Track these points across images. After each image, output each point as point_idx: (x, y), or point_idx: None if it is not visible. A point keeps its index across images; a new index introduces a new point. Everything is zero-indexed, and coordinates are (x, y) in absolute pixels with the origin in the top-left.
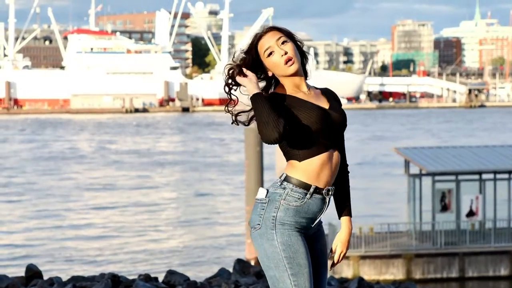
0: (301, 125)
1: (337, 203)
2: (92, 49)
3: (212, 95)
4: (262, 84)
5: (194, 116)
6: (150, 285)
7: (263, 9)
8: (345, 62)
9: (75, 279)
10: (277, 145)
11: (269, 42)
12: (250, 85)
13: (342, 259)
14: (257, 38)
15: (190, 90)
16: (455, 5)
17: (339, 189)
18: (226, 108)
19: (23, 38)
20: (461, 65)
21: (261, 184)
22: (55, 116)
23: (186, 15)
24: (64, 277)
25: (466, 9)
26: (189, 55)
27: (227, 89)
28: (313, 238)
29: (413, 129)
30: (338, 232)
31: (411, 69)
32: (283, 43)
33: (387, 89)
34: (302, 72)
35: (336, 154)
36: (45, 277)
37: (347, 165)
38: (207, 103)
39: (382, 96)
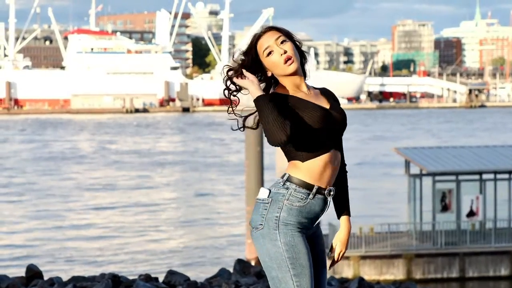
0: (305, 125)
1: (336, 203)
2: (92, 49)
3: (213, 95)
4: (262, 85)
5: (195, 116)
6: (150, 285)
7: (263, 9)
8: (345, 62)
9: (76, 279)
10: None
11: (268, 41)
12: (252, 87)
13: (341, 259)
14: (256, 38)
15: (190, 90)
16: (455, 5)
17: (338, 189)
18: (232, 112)
19: (24, 38)
20: (462, 65)
21: (262, 184)
22: (56, 116)
23: (186, 15)
24: (65, 277)
25: (466, 9)
26: (189, 55)
27: (227, 93)
28: (312, 238)
29: (413, 129)
30: (337, 232)
31: (412, 69)
32: (282, 42)
33: (388, 89)
34: (302, 72)
35: (337, 154)
36: (46, 277)
37: (345, 165)
38: (207, 103)
39: (383, 96)
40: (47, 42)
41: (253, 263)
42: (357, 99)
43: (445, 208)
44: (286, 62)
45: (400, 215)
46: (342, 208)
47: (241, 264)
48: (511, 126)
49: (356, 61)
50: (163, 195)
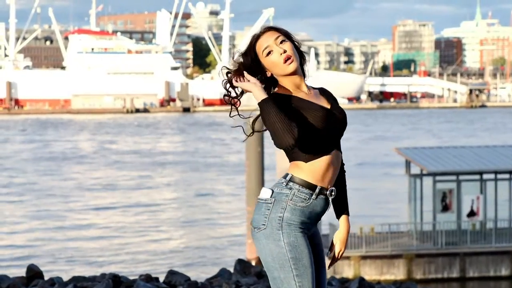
0: (308, 126)
1: (335, 203)
2: (93, 49)
3: (213, 95)
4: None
5: (195, 116)
6: (151, 285)
7: (263, 9)
8: (346, 62)
9: (76, 279)
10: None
11: (267, 41)
12: (255, 89)
13: (340, 258)
14: (255, 38)
15: (191, 90)
16: (456, 5)
17: (338, 189)
18: (237, 113)
19: (24, 38)
20: (462, 65)
21: (262, 184)
22: (56, 116)
23: (187, 15)
24: (65, 277)
25: (467, 9)
26: (189, 55)
27: (227, 99)
28: (311, 237)
29: (414, 129)
30: (337, 231)
31: (412, 69)
32: (281, 42)
33: (388, 89)
34: (301, 72)
35: (338, 154)
36: (46, 277)
37: (343, 164)
38: (207, 103)
39: (383, 96)
40: (48, 42)
41: (253, 263)
42: (357, 99)
43: (445, 208)
44: (285, 61)
45: (400, 215)
46: (341, 208)
47: (242, 264)
48: (511, 126)
49: (356, 61)
50: (163, 195)
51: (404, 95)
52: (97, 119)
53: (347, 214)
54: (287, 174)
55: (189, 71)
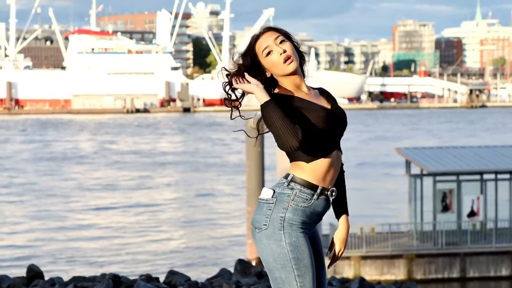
0: (311, 127)
1: (335, 203)
2: (93, 49)
3: (213, 96)
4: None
5: (195, 116)
6: (151, 285)
7: (264, 9)
8: (346, 63)
9: (76, 280)
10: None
11: (267, 41)
12: (258, 91)
13: (340, 258)
14: (255, 38)
15: (191, 90)
16: (456, 5)
17: (337, 189)
18: (238, 114)
19: (24, 39)
20: (462, 65)
21: (262, 185)
22: (56, 116)
23: (187, 15)
24: (65, 278)
25: (467, 9)
26: (190, 55)
27: (228, 103)
28: (311, 237)
29: (414, 129)
30: (336, 231)
31: (412, 69)
32: (281, 42)
33: (388, 89)
34: (301, 72)
35: (339, 155)
36: (46, 278)
37: (342, 164)
38: (208, 103)
39: (383, 96)
40: (48, 42)
41: (254, 263)
42: (357, 99)
43: (446, 208)
44: (285, 61)
45: (401, 215)
46: (341, 208)
47: (242, 264)
48: (511, 126)
49: (356, 61)
50: (163, 195)
51: (405, 95)
52: (97, 119)
53: (347, 214)
54: (288, 174)
55: (189, 71)
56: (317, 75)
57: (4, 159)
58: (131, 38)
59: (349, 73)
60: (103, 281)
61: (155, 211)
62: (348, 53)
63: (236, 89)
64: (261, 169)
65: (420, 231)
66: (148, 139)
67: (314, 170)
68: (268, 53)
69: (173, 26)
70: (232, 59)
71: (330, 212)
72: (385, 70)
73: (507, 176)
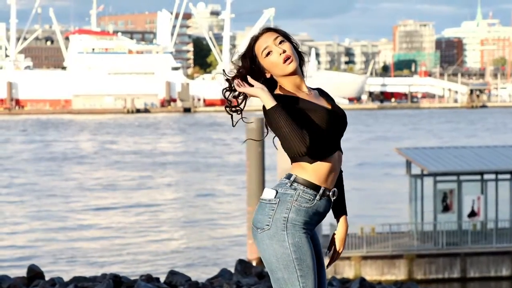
0: (315, 128)
1: (334, 203)
2: (93, 49)
3: (214, 96)
4: None
5: (196, 116)
6: (151, 285)
7: (264, 9)
8: (346, 63)
9: (77, 280)
10: (280, 145)
11: (266, 42)
12: (264, 95)
13: (339, 257)
14: (254, 39)
15: (191, 90)
16: (456, 5)
17: (337, 189)
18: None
19: (25, 39)
20: (463, 65)
21: (263, 185)
22: (57, 116)
23: (187, 16)
24: (66, 278)
25: (467, 9)
26: (190, 55)
27: (228, 109)
28: (311, 238)
29: (414, 129)
30: (336, 231)
31: (413, 69)
32: (280, 42)
33: (389, 89)
34: (301, 72)
35: (340, 155)
36: (47, 278)
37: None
38: (208, 103)
39: (384, 96)
40: (48, 43)
41: (254, 264)
42: (358, 99)
43: (446, 208)
44: (285, 61)
45: (401, 216)
46: (340, 208)
47: (243, 265)
48: None
49: (357, 61)
50: (164, 195)
51: (405, 95)
52: (97, 119)
53: (346, 214)
54: (290, 175)
55: (189, 71)
56: (318, 75)
57: (4, 159)
58: (131, 38)
59: (349, 73)
60: (104, 281)
61: (155, 211)
62: (349, 53)
63: (238, 95)
64: (262, 169)
65: (420, 231)
66: (149, 139)
67: (316, 171)
68: (268, 54)
69: (174, 26)
70: (232, 61)
71: (330, 212)
72: (385, 70)
73: (508, 176)
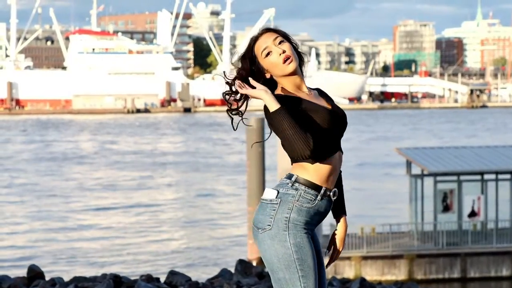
0: (317, 128)
1: (334, 203)
2: (93, 49)
3: (214, 96)
4: None
5: (196, 116)
6: (152, 285)
7: (264, 9)
8: (346, 63)
9: (77, 280)
10: (280, 145)
11: (266, 42)
12: (267, 98)
13: (338, 257)
14: (253, 40)
15: (191, 90)
16: (456, 5)
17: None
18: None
19: (25, 39)
20: (463, 65)
21: (263, 185)
22: (57, 116)
23: (187, 16)
24: (66, 278)
25: (467, 9)
26: (190, 55)
27: (231, 112)
28: (311, 238)
29: (414, 129)
30: (335, 230)
31: (413, 69)
32: (280, 42)
33: (389, 89)
34: (301, 72)
35: (340, 155)
36: (47, 278)
37: None
38: (208, 103)
39: (384, 96)
40: (49, 43)
41: (254, 264)
42: (358, 99)
43: (446, 208)
44: (285, 61)
45: (401, 216)
46: (339, 208)
47: (243, 265)
48: None
49: (357, 62)
50: (164, 195)
51: (405, 95)
52: (98, 120)
53: (345, 214)
54: (291, 175)
55: (190, 71)
56: (318, 75)
57: (4, 159)
58: (131, 38)
59: (349, 73)
60: (104, 281)
61: (155, 211)
62: (349, 53)
63: (240, 98)
64: (262, 169)
65: (420, 231)
66: (149, 139)
67: (318, 171)
68: (268, 54)
69: (174, 26)
70: (232, 62)
71: (330, 212)
72: (385, 70)
73: (508, 176)
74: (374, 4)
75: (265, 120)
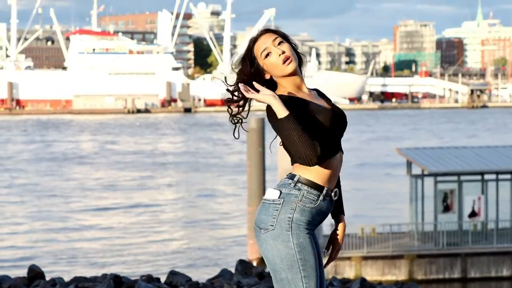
0: (321, 129)
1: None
2: (94, 49)
3: (214, 96)
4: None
5: (196, 116)
6: (152, 285)
7: (265, 9)
8: (347, 63)
9: (77, 280)
10: (281, 145)
11: (265, 43)
12: (276, 104)
13: (336, 257)
14: (253, 41)
15: (192, 90)
16: (457, 5)
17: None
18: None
19: (25, 39)
20: (463, 65)
21: (263, 185)
22: (57, 116)
23: (188, 16)
24: (67, 278)
25: (468, 9)
26: (191, 55)
27: (234, 119)
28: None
29: (415, 129)
30: (334, 230)
31: (413, 69)
32: (279, 43)
33: (389, 89)
34: (300, 72)
35: (341, 155)
36: (48, 278)
37: None
38: (209, 103)
39: (384, 96)
40: (49, 43)
41: (255, 264)
42: (359, 99)
43: (447, 208)
44: (284, 62)
45: (402, 216)
46: (338, 208)
47: (243, 265)
48: None
49: (357, 62)
50: (164, 195)
51: (405, 95)
52: (98, 120)
53: (343, 213)
54: (293, 175)
55: (190, 71)
56: (318, 76)
57: (5, 160)
58: (132, 38)
59: (350, 73)
60: (104, 282)
61: (156, 211)
62: (349, 53)
63: (243, 105)
64: (262, 169)
65: (421, 231)
66: (149, 139)
67: (320, 171)
68: (267, 55)
69: (174, 27)
70: (232, 67)
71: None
72: (386, 71)
73: (508, 176)
74: (374, 4)
75: (266, 120)
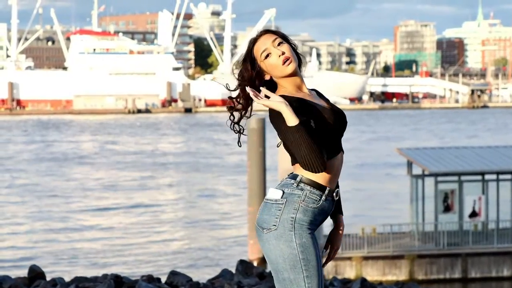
0: (325, 129)
1: None
2: (94, 49)
3: (215, 96)
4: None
5: (197, 116)
6: (152, 285)
7: (265, 10)
8: (347, 63)
9: (78, 280)
10: (281, 146)
11: (265, 44)
12: (286, 111)
13: (334, 256)
14: (252, 42)
15: (192, 90)
16: (457, 5)
17: None
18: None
19: (26, 39)
20: (464, 65)
21: (264, 185)
22: (58, 116)
23: (188, 16)
24: (67, 278)
25: (468, 9)
26: (191, 55)
27: (237, 127)
28: None
29: (415, 129)
30: (332, 230)
31: (414, 69)
32: (279, 44)
33: (390, 89)
34: (300, 73)
35: (342, 155)
36: (48, 278)
37: None
38: (209, 103)
39: (385, 96)
40: (50, 43)
41: (255, 264)
42: (359, 99)
43: (447, 208)
44: (284, 63)
45: (402, 216)
46: (336, 207)
47: (244, 265)
48: None
49: (358, 62)
50: (165, 195)
51: (406, 95)
52: (98, 120)
53: (342, 213)
54: (296, 175)
55: (190, 71)
56: (319, 76)
57: (5, 160)
58: (132, 38)
59: (350, 73)
60: (105, 282)
61: (156, 211)
62: (350, 53)
63: (245, 111)
64: (263, 169)
65: (421, 231)
66: (150, 139)
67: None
68: (267, 56)
69: (175, 27)
70: (232, 71)
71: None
72: (386, 71)
73: (509, 176)
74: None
75: (266, 120)
